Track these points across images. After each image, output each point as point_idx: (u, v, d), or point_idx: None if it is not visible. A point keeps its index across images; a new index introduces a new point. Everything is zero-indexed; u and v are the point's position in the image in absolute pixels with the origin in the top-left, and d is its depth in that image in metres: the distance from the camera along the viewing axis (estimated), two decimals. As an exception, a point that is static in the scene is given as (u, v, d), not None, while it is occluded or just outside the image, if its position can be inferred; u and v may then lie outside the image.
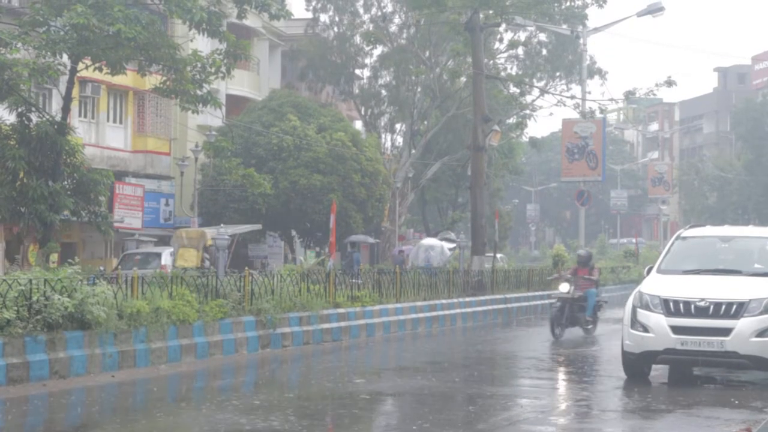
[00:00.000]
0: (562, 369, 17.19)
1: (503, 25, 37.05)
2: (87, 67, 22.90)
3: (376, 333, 21.57)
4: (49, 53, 21.25)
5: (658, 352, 13.70)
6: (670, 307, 13.58)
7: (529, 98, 44.17)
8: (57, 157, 22.27)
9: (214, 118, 33.66)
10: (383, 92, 45.63)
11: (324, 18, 45.42)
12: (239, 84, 41.62)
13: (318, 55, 44.39)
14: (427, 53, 43.47)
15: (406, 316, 23.12)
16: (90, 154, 29.26)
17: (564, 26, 40.02)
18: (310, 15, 45.66)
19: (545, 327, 22.51)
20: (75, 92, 25.79)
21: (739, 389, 13.90)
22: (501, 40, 44.78)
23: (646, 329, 13.71)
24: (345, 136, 36.85)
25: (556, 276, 25.45)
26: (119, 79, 27.89)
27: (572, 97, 40.66)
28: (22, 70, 21.22)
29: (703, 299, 13.44)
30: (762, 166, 74.87)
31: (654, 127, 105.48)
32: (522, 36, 44.68)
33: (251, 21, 37.81)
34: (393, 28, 44.40)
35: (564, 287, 21.73)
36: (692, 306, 13.47)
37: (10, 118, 22.83)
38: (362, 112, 46.62)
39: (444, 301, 25.37)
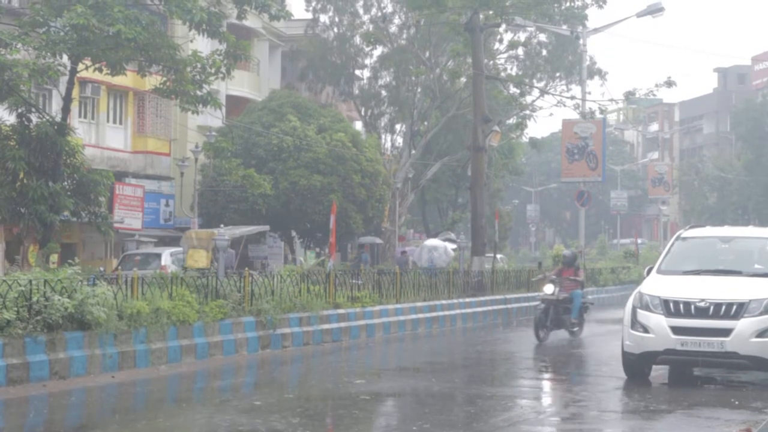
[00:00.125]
0: (562, 369, 17.19)
1: (503, 26, 37.08)
2: (87, 68, 22.90)
3: (376, 333, 21.57)
4: (49, 54, 21.24)
5: (658, 353, 13.70)
6: (670, 307, 13.58)
7: (529, 99, 44.27)
8: (57, 158, 22.27)
9: (214, 118, 33.67)
10: (383, 93, 45.64)
11: (324, 18, 45.46)
12: (239, 84, 41.64)
13: (318, 56, 44.40)
14: (427, 54, 43.47)
15: (406, 317, 23.12)
16: (90, 155, 29.25)
17: (564, 27, 40.02)
18: (310, 15, 45.69)
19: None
20: (75, 93, 25.79)
21: (739, 390, 13.90)
22: (501, 41, 44.84)
23: (646, 330, 13.71)
24: (345, 137, 36.86)
25: (540, 277, 24.74)
26: (119, 80, 27.89)
27: (572, 98, 40.80)
28: (22, 70, 21.20)
29: (703, 300, 13.44)
30: (762, 166, 74.87)
31: (654, 127, 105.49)
32: (522, 36, 44.75)
33: (251, 21, 37.82)
34: (393, 29, 44.41)
35: (548, 288, 21.11)
36: (692, 306, 13.47)
37: (10, 118, 22.83)
38: (362, 113, 46.62)
39: (444, 302, 25.37)
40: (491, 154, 40.01)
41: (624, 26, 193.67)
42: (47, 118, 22.74)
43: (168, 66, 23.03)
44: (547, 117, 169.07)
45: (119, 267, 24.10)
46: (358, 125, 49.41)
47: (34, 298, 13.50)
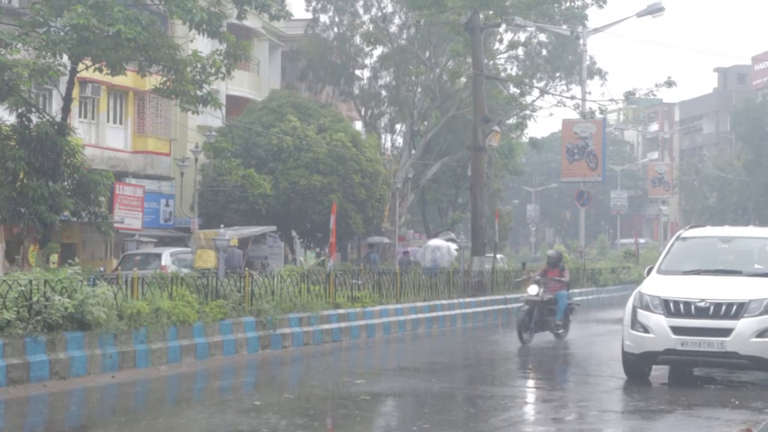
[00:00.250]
0: (562, 370, 17.18)
1: (503, 26, 37.06)
2: (87, 68, 22.90)
3: (376, 334, 21.57)
4: (49, 54, 21.24)
5: (658, 353, 13.69)
6: (671, 307, 13.58)
7: (529, 99, 44.26)
8: (57, 158, 22.27)
9: (214, 118, 33.67)
10: (383, 93, 45.64)
11: (324, 18, 45.46)
12: (239, 84, 41.63)
13: (318, 56, 44.40)
14: (427, 54, 43.47)
15: (406, 317, 23.12)
16: (90, 155, 29.25)
17: (564, 27, 40.04)
18: (310, 15, 45.68)
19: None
20: (75, 93, 25.78)
21: (740, 390, 13.90)
22: (501, 41, 44.84)
23: (646, 330, 13.71)
24: (345, 137, 36.86)
25: (524, 278, 23.90)
26: (119, 80, 27.89)
27: (572, 98, 40.77)
28: (22, 70, 21.21)
29: (703, 300, 13.44)
30: (762, 166, 74.87)
31: (654, 127, 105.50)
32: (522, 36, 44.77)
33: (251, 21, 37.82)
34: (393, 29, 44.39)
35: (533, 289, 20.41)
36: (692, 306, 13.46)
37: (11, 118, 22.83)
38: (362, 113, 46.62)
39: (444, 302, 25.37)
40: (491, 154, 40.00)
41: (624, 26, 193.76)
42: (47, 118, 22.75)
43: (168, 66, 23.04)
44: (547, 117, 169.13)
45: (119, 267, 24.10)
46: (358, 125, 49.40)
47: (34, 298, 13.49)
